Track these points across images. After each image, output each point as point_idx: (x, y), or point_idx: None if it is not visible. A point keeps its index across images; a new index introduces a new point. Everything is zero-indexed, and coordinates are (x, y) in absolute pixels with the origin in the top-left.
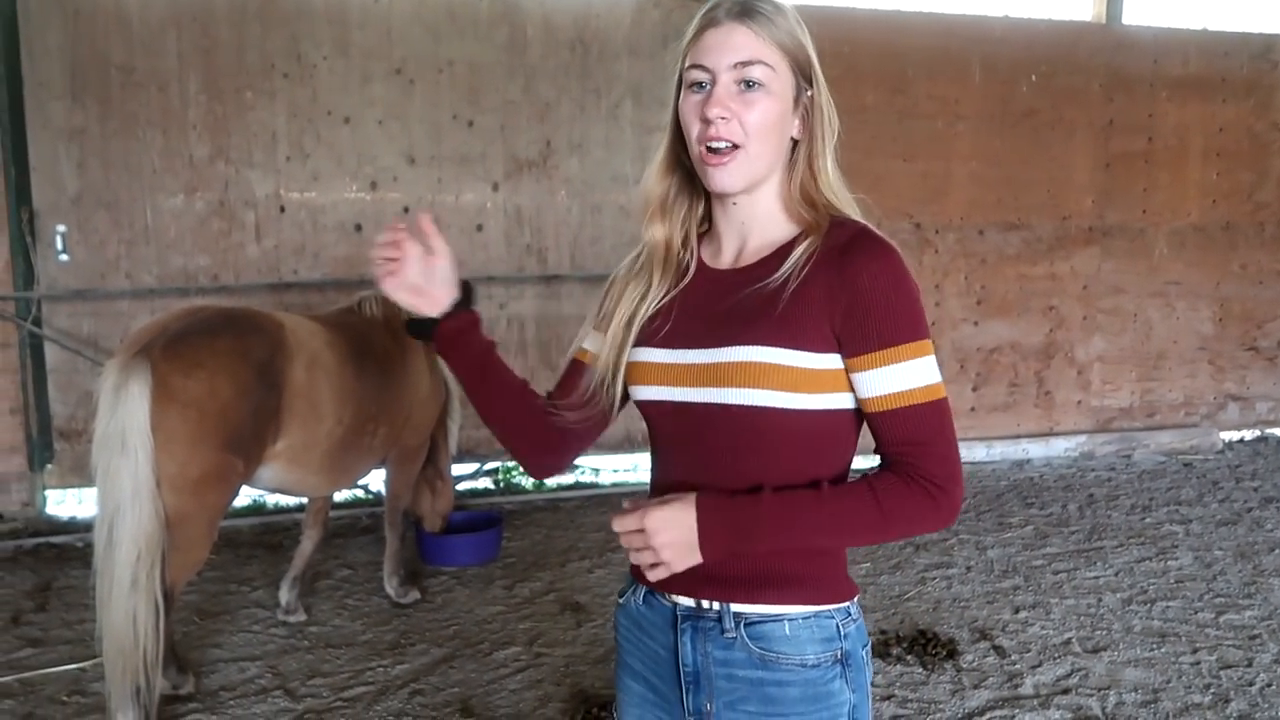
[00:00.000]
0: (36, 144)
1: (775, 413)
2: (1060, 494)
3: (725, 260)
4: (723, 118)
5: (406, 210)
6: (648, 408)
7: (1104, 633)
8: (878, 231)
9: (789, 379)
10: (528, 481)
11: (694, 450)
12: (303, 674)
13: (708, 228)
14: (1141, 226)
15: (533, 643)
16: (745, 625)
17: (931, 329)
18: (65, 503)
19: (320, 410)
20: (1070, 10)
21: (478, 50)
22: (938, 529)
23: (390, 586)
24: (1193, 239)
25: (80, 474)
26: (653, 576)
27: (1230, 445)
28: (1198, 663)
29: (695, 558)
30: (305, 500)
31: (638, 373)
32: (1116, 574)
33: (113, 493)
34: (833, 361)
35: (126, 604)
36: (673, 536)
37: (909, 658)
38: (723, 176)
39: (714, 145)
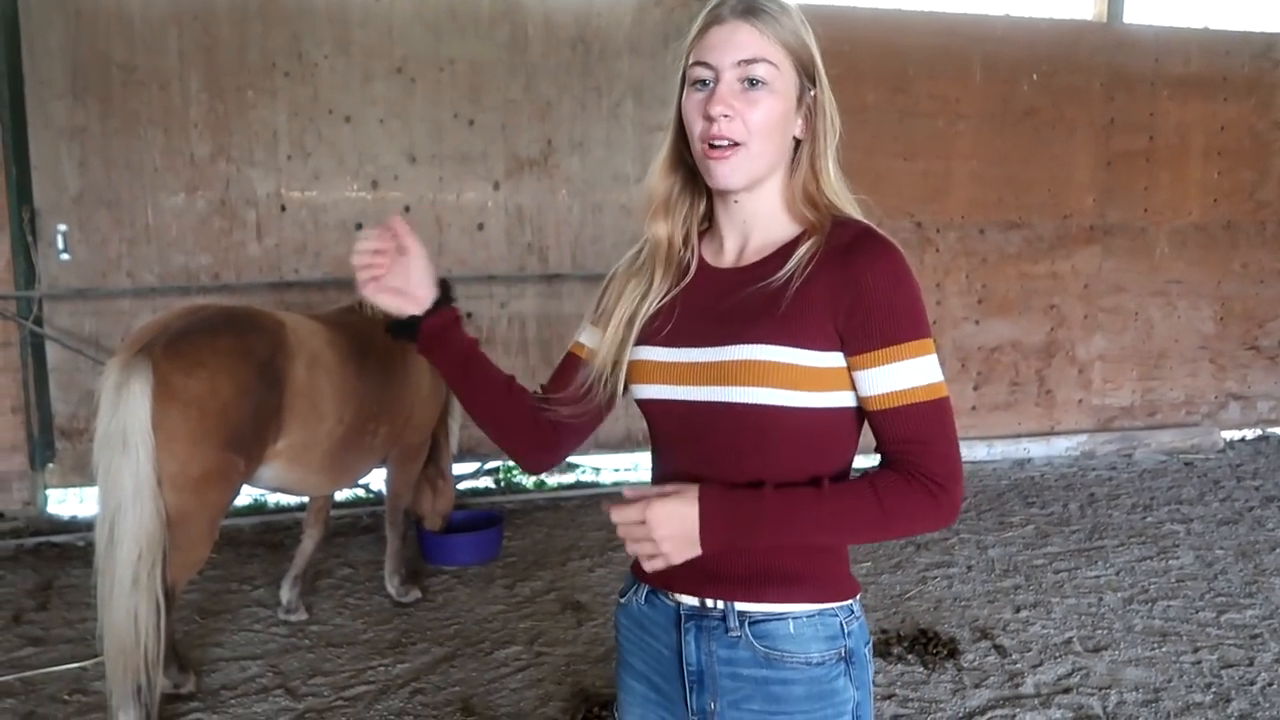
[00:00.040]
0: (38, 143)
1: (778, 411)
2: (1061, 493)
3: (727, 259)
4: (725, 115)
5: (408, 209)
6: (650, 406)
7: (1105, 632)
8: (880, 231)
9: (792, 377)
10: (528, 481)
11: (696, 449)
12: (304, 673)
13: (708, 226)
14: (1143, 225)
15: (533, 642)
16: (750, 624)
17: (933, 328)
18: (66, 502)
19: (321, 409)
20: (1071, 9)
21: (479, 49)
22: (938, 528)
23: (391, 585)
24: (1194, 238)
25: (81, 473)
26: (649, 568)
27: (1231, 444)
28: (1199, 662)
29: (694, 550)
30: (306, 499)
31: (640, 371)
32: (1117, 573)
33: (114, 491)
34: (835, 360)
35: (128, 603)
36: (674, 529)
37: (910, 657)
38: (725, 173)
39: (716, 143)
